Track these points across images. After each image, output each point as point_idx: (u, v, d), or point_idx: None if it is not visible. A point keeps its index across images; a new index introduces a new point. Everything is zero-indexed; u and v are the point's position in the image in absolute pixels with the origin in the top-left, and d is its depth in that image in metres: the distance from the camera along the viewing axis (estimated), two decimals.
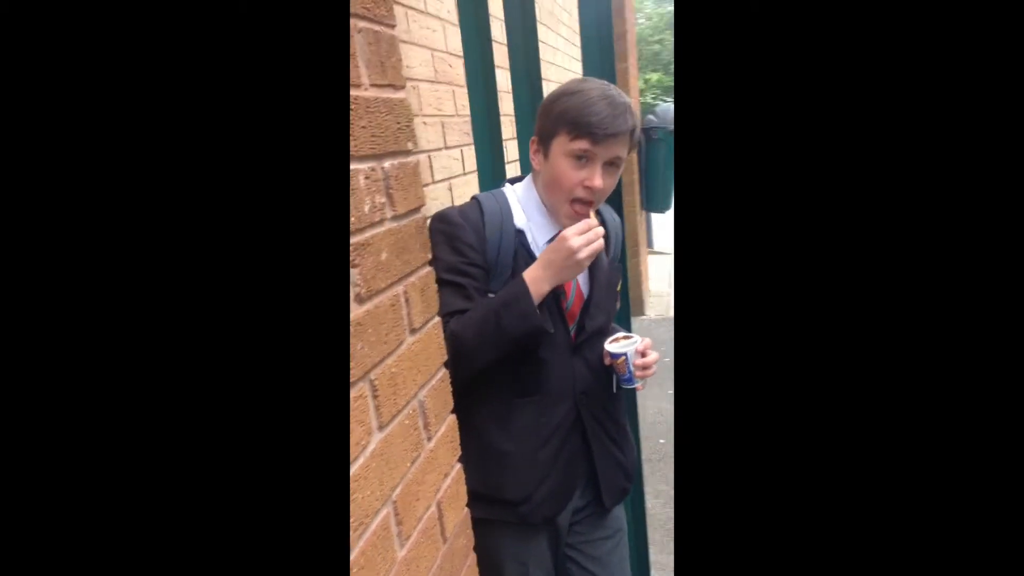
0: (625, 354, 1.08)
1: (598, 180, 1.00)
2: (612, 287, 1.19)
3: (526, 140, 1.44)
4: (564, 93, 1.02)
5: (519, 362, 1.05)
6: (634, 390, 1.17)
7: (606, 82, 1.05)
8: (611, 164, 1.02)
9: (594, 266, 1.15)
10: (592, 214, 1.02)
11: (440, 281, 0.92)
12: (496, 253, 1.05)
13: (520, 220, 1.09)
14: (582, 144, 0.98)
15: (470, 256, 1.03)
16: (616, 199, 1.33)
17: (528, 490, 1.08)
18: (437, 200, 1.54)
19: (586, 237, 0.96)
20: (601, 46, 1.31)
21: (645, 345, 1.11)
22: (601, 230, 0.99)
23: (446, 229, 1.03)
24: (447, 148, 1.57)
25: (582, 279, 1.14)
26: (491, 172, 1.39)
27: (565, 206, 1.04)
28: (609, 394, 1.18)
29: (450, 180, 1.57)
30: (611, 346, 1.10)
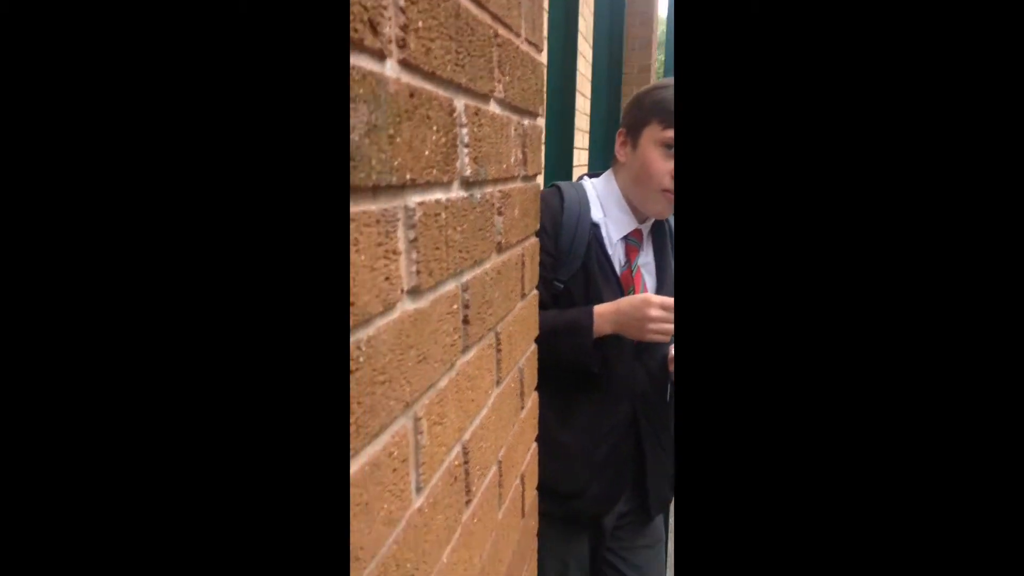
0: None
1: None
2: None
3: (596, 148, 1.46)
4: (656, 87, 1.05)
5: None
6: None
7: None
8: None
9: (661, 270, 1.15)
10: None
11: None
12: (570, 243, 1.06)
13: (597, 214, 1.10)
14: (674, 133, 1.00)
15: (541, 242, 1.04)
16: None
17: (581, 484, 1.07)
18: None
19: (665, 315, 0.98)
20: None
21: None
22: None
23: None
24: None
25: (649, 282, 1.15)
26: (556, 174, 1.41)
27: (654, 194, 1.04)
28: (663, 402, 1.17)
29: None
30: None
